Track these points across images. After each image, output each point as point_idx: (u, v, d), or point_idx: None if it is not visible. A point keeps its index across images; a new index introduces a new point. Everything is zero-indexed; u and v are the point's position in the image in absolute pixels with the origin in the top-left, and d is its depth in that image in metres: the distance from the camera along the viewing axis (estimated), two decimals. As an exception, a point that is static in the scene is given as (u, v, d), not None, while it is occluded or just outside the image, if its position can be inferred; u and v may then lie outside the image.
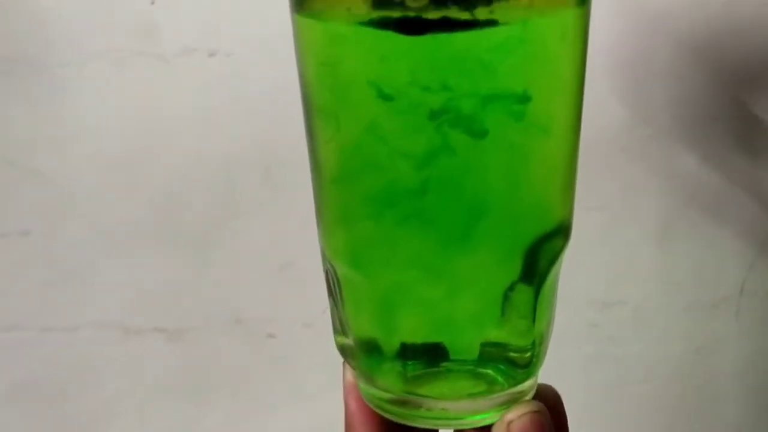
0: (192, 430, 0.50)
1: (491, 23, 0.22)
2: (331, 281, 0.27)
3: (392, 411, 0.27)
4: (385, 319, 0.25)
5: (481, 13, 0.22)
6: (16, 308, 0.47)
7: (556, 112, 0.25)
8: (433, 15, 0.22)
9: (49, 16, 0.44)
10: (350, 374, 0.29)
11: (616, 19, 0.45)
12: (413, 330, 0.26)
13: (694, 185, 0.47)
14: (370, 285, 0.25)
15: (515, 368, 0.26)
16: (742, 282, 0.48)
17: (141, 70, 0.44)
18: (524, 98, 0.23)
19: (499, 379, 0.26)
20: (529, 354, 0.26)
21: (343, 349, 0.28)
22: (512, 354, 0.26)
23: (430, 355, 0.26)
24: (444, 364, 0.26)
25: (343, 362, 0.29)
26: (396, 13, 0.22)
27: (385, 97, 0.23)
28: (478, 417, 0.26)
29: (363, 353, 0.26)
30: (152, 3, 0.44)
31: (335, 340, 0.28)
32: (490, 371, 0.26)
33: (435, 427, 0.27)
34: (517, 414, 0.26)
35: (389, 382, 0.26)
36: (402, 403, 0.26)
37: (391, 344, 0.26)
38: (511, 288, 0.25)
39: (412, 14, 0.22)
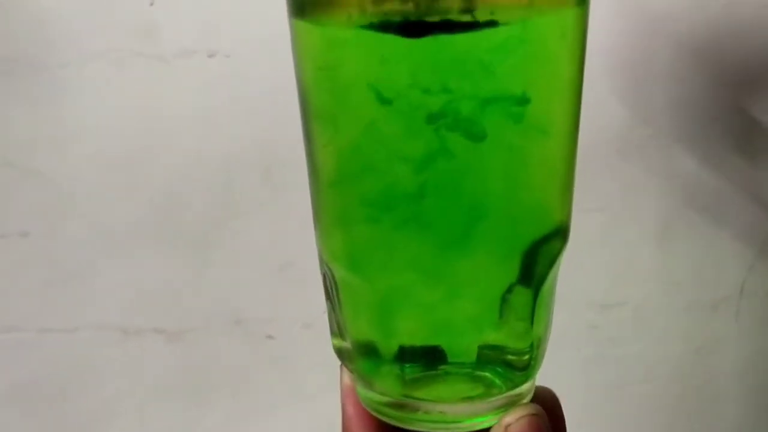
0: (191, 431, 0.50)
1: (491, 24, 0.22)
2: (328, 284, 0.27)
3: (390, 414, 0.27)
4: (382, 322, 0.25)
5: (481, 14, 0.22)
6: (15, 309, 0.47)
7: (555, 114, 0.24)
8: (433, 18, 0.22)
9: (49, 16, 0.44)
10: (348, 377, 0.29)
11: (616, 19, 0.45)
12: (411, 333, 0.26)
13: (693, 186, 0.47)
14: (368, 288, 0.25)
15: (513, 371, 0.26)
16: (742, 282, 0.48)
17: (140, 71, 0.44)
18: (523, 100, 0.23)
19: (497, 381, 0.26)
20: (527, 357, 0.26)
21: (340, 353, 0.28)
22: (510, 357, 0.26)
23: (428, 358, 0.26)
24: (442, 367, 0.26)
25: (341, 365, 0.29)
26: (396, 17, 0.22)
27: (385, 101, 0.23)
28: (476, 420, 0.26)
29: (361, 356, 0.26)
30: (152, 4, 0.44)
31: (332, 343, 0.28)
32: (488, 374, 0.26)
33: (433, 431, 0.27)
34: (515, 417, 0.26)
35: (387, 386, 0.26)
36: (400, 406, 0.26)
37: (389, 347, 0.26)
38: (509, 290, 0.25)
39: (413, 18, 0.22)
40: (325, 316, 0.29)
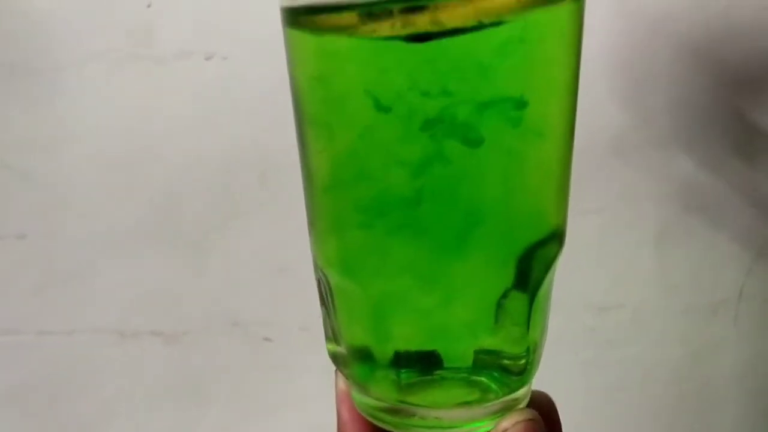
0: (189, 433, 0.50)
1: (491, 24, 0.22)
2: (323, 290, 0.27)
3: (385, 420, 0.27)
4: (377, 327, 0.25)
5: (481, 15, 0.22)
6: (13, 311, 0.47)
7: (553, 117, 0.24)
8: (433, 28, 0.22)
9: (46, 18, 0.44)
10: (343, 382, 0.29)
11: (616, 20, 0.45)
12: (406, 338, 0.26)
13: (692, 188, 0.47)
14: (362, 293, 0.25)
15: (509, 376, 0.26)
16: (740, 286, 0.48)
17: (138, 73, 0.44)
18: (522, 103, 0.23)
19: (493, 386, 0.26)
20: (523, 361, 0.26)
21: (335, 358, 0.28)
22: (506, 361, 0.26)
23: (423, 363, 0.26)
24: (438, 372, 0.26)
25: (336, 370, 0.29)
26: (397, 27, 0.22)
27: (382, 106, 0.23)
28: (472, 425, 0.26)
29: (356, 362, 0.26)
30: (149, 6, 0.44)
31: (327, 348, 0.28)
32: (484, 379, 0.26)
33: (429, 436, 0.27)
34: (511, 422, 0.26)
35: (382, 391, 0.26)
36: (395, 411, 0.26)
37: (385, 352, 0.26)
38: (505, 295, 0.25)
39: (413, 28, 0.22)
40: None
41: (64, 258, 0.47)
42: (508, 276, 0.25)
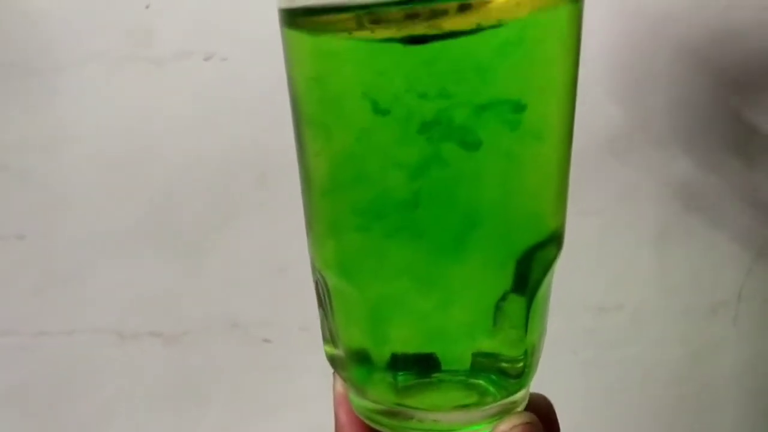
0: (188, 434, 0.50)
1: (490, 26, 0.22)
2: (320, 292, 0.27)
3: (383, 422, 0.27)
4: (375, 329, 0.25)
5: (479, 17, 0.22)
6: (11, 312, 0.47)
7: (551, 120, 0.24)
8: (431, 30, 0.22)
9: (43, 19, 0.44)
10: (340, 385, 0.29)
11: (616, 20, 0.44)
12: (404, 340, 0.26)
13: (691, 189, 0.46)
14: (360, 296, 0.25)
15: (507, 379, 0.26)
16: (739, 287, 0.48)
17: (136, 74, 0.44)
18: (520, 106, 0.23)
19: (491, 389, 0.26)
20: (521, 364, 0.26)
21: (333, 360, 0.28)
22: (504, 364, 0.26)
23: (421, 366, 0.26)
24: (435, 374, 0.26)
25: (333, 373, 0.29)
26: (394, 29, 0.22)
27: (380, 109, 0.23)
28: (469, 428, 0.26)
29: (353, 364, 0.26)
30: (147, 7, 0.44)
31: (325, 350, 0.28)
32: (482, 382, 0.26)
33: (427, 439, 0.27)
34: (509, 426, 0.26)
35: (380, 394, 0.26)
36: (393, 414, 0.26)
37: (382, 355, 0.25)
38: (503, 298, 0.25)
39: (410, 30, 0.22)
40: (323, 320, 0.29)
41: (64, 258, 0.47)
42: (506, 279, 0.25)
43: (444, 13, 0.22)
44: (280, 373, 0.48)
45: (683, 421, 0.50)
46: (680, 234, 0.47)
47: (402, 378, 0.26)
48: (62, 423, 0.49)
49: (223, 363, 0.48)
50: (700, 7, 0.44)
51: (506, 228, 0.24)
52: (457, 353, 0.26)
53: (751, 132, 0.46)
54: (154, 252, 0.47)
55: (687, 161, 0.46)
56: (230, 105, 0.45)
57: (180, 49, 0.44)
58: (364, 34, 0.22)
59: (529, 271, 0.25)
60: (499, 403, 0.26)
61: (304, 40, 0.24)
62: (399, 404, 0.26)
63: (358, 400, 0.27)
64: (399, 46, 0.22)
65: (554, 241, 0.26)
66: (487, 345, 0.25)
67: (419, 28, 0.22)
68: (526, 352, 0.26)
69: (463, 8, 0.22)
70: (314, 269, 0.27)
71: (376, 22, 0.22)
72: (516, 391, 0.27)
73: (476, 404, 0.26)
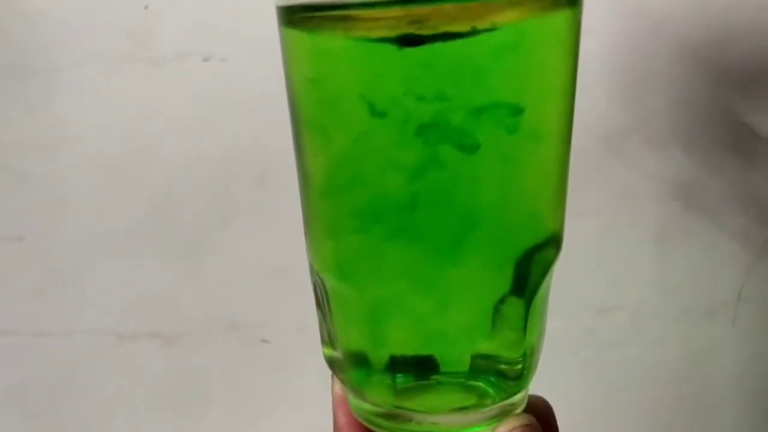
0: (188, 434, 0.50)
1: (486, 29, 0.22)
2: (319, 294, 0.27)
3: (382, 425, 0.27)
4: (373, 331, 0.25)
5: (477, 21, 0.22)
6: (10, 313, 0.47)
7: (549, 123, 0.24)
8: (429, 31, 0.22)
9: (42, 19, 0.44)
10: (339, 387, 0.29)
11: (616, 21, 0.44)
12: (402, 343, 0.26)
13: (692, 189, 0.46)
14: (358, 298, 0.25)
15: (506, 380, 0.26)
16: (739, 287, 0.48)
17: (135, 74, 0.44)
18: (518, 110, 0.23)
19: (490, 391, 0.26)
20: (520, 366, 0.26)
21: (331, 362, 0.28)
22: (503, 366, 0.26)
23: (420, 368, 0.26)
24: (434, 376, 0.26)
25: (332, 375, 0.29)
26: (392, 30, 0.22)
27: (376, 110, 0.22)
28: (468, 430, 0.26)
29: (352, 366, 0.26)
30: (146, 7, 0.44)
31: (323, 352, 0.28)
32: (480, 384, 0.26)
33: (426, 441, 0.27)
34: (507, 427, 0.26)
35: (378, 396, 0.26)
36: (392, 417, 0.26)
37: (380, 357, 0.25)
38: (502, 300, 0.25)
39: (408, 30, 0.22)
40: (321, 321, 0.29)
41: (63, 259, 0.47)
42: (504, 281, 0.25)
43: (440, 14, 0.22)
44: (279, 373, 0.48)
45: (683, 421, 0.50)
46: (680, 234, 0.47)
47: (400, 380, 0.26)
48: (62, 423, 0.49)
49: (221, 364, 0.48)
50: (700, 7, 0.44)
51: (505, 230, 0.24)
52: (455, 355, 0.26)
53: (751, 132, 0.46)
54: (153, 252, 0.47)
55: (687, 161, 0.46)
56: (230, 105, 0.45)
57: (179, 49, 0.44)
58: (361, 32, 0.22)
59: (528, 273, 0.25)
60: (498, 405, 0.26)
61: (301, 39, 0.24)
62: (397, 406, 0.26)
63: (356, 403, 0.27)
64: (395, 48, 0.22)
65: (553, 242, 0.26)
66: (485, 347, 0.25)
67: (414, 28, 0.22)
68: (524, 354, 0.26)
69: (460, 10, 0.22)
70: (312, 271, 0.27)
71: (373, 19, 0.22)
72: (515, 393, 0.27)
73: (475, 406, 0.26)
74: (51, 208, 0.46)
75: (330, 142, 0.24)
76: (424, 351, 0.26)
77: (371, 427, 0.27)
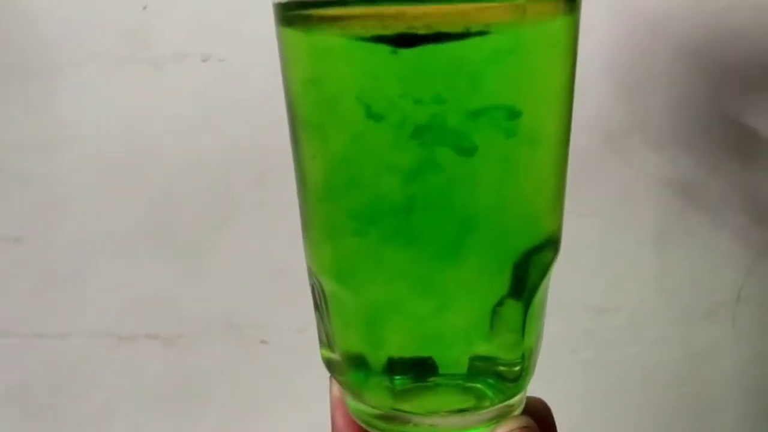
0: (187, 435, 0.50)
1: (483, 33, 0.22)
2: (317, 296, 0.27)
3: (380, 427, 0.27)
4: (371, 334, 0.25)
5: (474, 24, 0.22)
6: (10, 314, 0.47)
7: (547, 126, 0.24)
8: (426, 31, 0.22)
9: (41, 20, 0.44)
10: (337, 389, 0.29)
11: (616, 21, 0.44)
12: (400, 345, 0.25)
13: (692, 189, 0.46)
14: (357, 300, 0.25)
15: (504, 382, 0.26)
16: (738, 288, 0.48)
17: (133, 75, 0.44)
18: (515, 113, 0.23)
19: (488, 393, 0.26)
20: (518, 368, 0.26)
21: (329, 364, 0.28)
22: (501, 368, 0.26)
23: (418, 370, 0.26)
24: (432, 378, 0.26)
25: (330, 377, 0.29)
26: (388, 30, 0.22)
27: (373, 112, 0.22)
28: None
29: (350, 368, 0.26)
30: (144, 8, 0.44)
31: (321, 354, 0.28)
32: (479, 386, 0.26)
33: (424, 443, 0.27)
34: (505, 430, 0.26)
35: (377, 398, 0.26)
36: (390, 418, 0.26)
37: (379, 359, 0.25)
38: (500, 302, 0.25)
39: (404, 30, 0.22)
40: (320, 322, 0.29)
41: (62, 259, 0.47)
42: (502, 283, 0.25)
43: (436, 15, 0.22)
44: (279, 374, 0.48)
45: (683, 421, 0.50)
46: (680, 234, 0.47)
47: (399, 382, 0.26)
48: (61, 424, 0.49)
49: (220, 364, 0.48)
50: (700, 7, 0.44)
51: (502, 232, 0.24)
52: (454, 357, 0.26)
53: (751, 132, 0.46)
54: (152, 253, 0.47)
55: (687, 161, 0.46)
56: (229, 105, 0.45)
57: (178, 49, 0.44)
58: (357, 30, 0.22)
59: (526, 275, 0.25)
60: (496, 407, 0.26)
61: (297, 38, 0.24)
62: (396, 408, 0.26)
63: (354, 405, 0.27)
64: (391, 49, 0.22)
65: (551, 245, 0.26)
66: (484, 349, 0.25)
67: (409, 27, 0.22)
68: (523, 356, 0.26)
69: (456, 12, 0.22)
70: (310, 273, 0.27)
71: (368, 17, 0.22)
72: (513, 395, 0.27)
73: (473, 408, 0.26)
74: (51, 208, 0.46)
75: (327, 143, 0.24)
76: (423, 353, 0.26)
77: (369, 429, 0.27)
